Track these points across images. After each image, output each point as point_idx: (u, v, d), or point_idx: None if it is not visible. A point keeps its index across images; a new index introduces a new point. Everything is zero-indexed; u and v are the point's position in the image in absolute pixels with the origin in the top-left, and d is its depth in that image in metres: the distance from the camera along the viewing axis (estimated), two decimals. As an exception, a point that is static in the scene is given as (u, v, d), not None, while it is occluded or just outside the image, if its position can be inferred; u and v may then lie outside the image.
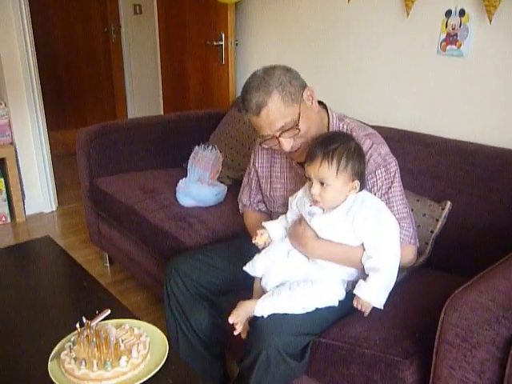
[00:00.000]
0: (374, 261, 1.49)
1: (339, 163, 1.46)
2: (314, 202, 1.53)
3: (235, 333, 1.54)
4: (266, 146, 1.68)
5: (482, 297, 1.17)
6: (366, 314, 1.50)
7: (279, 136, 1.57)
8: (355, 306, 1.49)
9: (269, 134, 1.58)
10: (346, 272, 1.57)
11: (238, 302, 1.58)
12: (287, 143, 1.58)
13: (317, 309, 1.52)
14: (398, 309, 1.58)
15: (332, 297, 1.55)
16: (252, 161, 1.92)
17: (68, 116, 5.36)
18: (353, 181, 1.49)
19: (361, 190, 1.52)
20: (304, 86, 1.61)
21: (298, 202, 1.63)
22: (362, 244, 1.52)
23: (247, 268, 1.65)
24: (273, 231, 1.68)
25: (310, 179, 1.52)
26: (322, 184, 1.48)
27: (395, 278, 1.51)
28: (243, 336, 1.56)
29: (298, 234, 1.59)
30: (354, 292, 1.49)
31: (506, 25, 1.91)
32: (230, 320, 1.53)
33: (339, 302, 1.55)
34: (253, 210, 1.98)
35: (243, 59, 3.24)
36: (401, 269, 1.62)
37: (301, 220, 1.61)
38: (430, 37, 2.16)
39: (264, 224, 1.71)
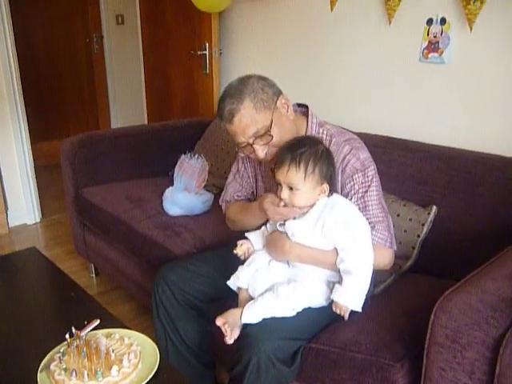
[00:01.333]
0: (346, 264, 1.50)
1: (307, 167, 1.47)
2: (284, 207, 1.54)
3: (226, 339, 1.53)
4: (242, 155, 1.69)
5: (471, 298, 1.19)
6: (346, 317, 1.50)
7: (253, 143, 1.59)
8: (334, 310, 1.50)
9: (243, 141, 1.60)
10: (328, 273, 1.58)
11: (226, 310, 1.58)
12: (261, 150, 1.60)
13: (306, 313, 1.53)
14: (386, 313, 1.60)
15: (318, 295, 1.56)
16: (239, 161, 1.90)
17: (51, 127, 5.31)
18: (321, 184, 1.51)
19: (331, 193, 1.54)
20: (278, 94, 1.62)
21: None
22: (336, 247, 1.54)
23: (230, 282, 1.65)
24: (255, 241, 1.69)
25: (279, 184, 1.53)
26: (291, 188, 1.50)
27: (369, 280, 1.52)
28: (230, 342, 1.54)
29: (274, 237, 1.61)
30: (331, 297, 1.50)
31: (485, 33, 1.96)
32: (218, 322, 1.53)
33: (328, 306, 1.56)
34: (234, 200, 1.93)
35: (227, 68, 3.26)
36: (377, 272, 1.64)
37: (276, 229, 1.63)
38: (412, 44, 2.19)
39: (246, 235, 1.72)
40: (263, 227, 1.72)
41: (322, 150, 1.52)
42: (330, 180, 1.53)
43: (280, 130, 1.59)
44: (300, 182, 1.48)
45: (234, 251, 1.68)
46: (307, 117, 1.73)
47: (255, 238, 1.70)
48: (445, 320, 1.20)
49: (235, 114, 1.55)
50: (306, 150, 1.49)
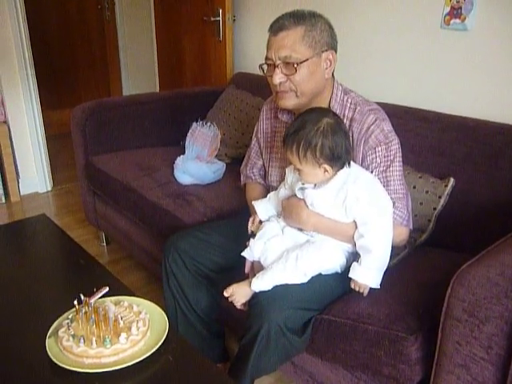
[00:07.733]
0: (365, 240, 1.47)
1: (298, 151, 1.44)
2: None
3: (237, 305, 1.57)
4: (261, 72, 1.66)
5: (491, 271, 1.15)
6: (365, 294, 1.49)
7: (277, 66, 1.56)
8: (352, 287, 1.49)
9: (272, 58, 1.57)
10: (344, 244, 1.56)
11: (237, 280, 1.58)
12: (278, 77, 1.57)
13: (319, 283, 1.51)
14: (401, 285, 1.56)
15: (332, 260, 1.54)
16: (255, 130, 1.91)
17: (62, 95, 5.27)
18: (320, 165, 1.45)
19: (340, 167, 1.47)
20: (331, 48, 1.59)
21: (294, 178, 1.61)
22: (355, 221, 1.50)
23: (246, 254, 1.64)
24: (260, 210, 1.69)
25: None
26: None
27: (388, 258, 1.49)
28: (242, 308, 1.58)
29: (291, 204, 1.59)
30: (350, 276, 1.48)
31: (511, -2, 1.87)
32: (225, 293, 1.56)
33: (340, 276, 1.53)
34: (254, 182, 1.96)
35: (241, 35, 3.19)
36: (395, 247, 1.60)
37: (295, 194, 1.61)
38: (434, 10, 2.11)
39: (253, 203, 1.72)
40: (270, 193, 1.73)
41: (324, 127, 1.43)
42: (336, 157, 1.44)
43: (307, 76, 1.55)
44: (297, 163, 1.48)
45: (250, 229, 1.70)
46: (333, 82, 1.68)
47: (261, 208, 1.70)
48: (462, 293, 1.16)
49: (284, 30, 1.54)
50: (302, 130, 1.44)
